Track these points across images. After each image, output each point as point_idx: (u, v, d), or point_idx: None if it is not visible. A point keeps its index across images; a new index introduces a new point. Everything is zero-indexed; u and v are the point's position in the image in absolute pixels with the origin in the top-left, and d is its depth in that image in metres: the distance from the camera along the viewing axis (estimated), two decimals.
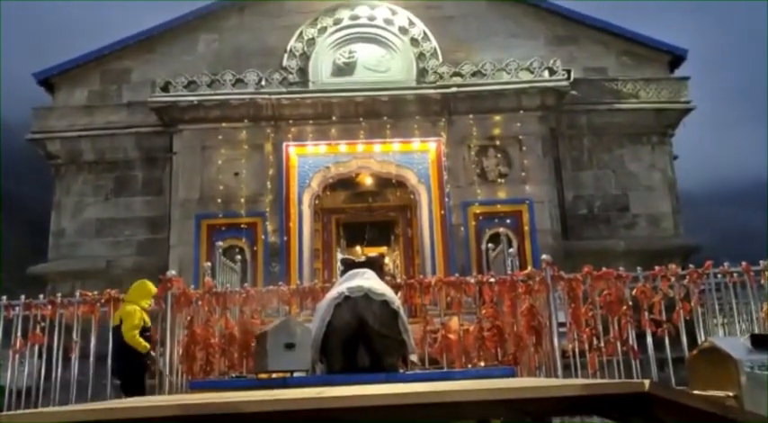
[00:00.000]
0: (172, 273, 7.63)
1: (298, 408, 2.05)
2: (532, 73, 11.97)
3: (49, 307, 7.82)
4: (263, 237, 11.50)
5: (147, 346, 6.87)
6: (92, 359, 7.70)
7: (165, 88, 11.92)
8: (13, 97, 39.02)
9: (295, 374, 4.70)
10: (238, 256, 10.24)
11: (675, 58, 13.81)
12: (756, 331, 7.06)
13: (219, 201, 11.60)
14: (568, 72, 12.07)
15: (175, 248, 11.57)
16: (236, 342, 7.33)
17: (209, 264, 8.45)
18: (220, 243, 9.72)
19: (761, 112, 53.08)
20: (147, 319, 7.04)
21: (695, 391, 4.31)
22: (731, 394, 4.32)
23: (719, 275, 7.91)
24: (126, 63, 13.60)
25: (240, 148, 11.89)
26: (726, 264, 7.98)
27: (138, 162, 13.03)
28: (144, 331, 6.95)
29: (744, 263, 7.89)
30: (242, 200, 11.63)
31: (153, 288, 7.23)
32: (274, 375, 4.74)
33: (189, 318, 7.19)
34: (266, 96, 11.84)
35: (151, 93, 12.01)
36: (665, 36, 14.19)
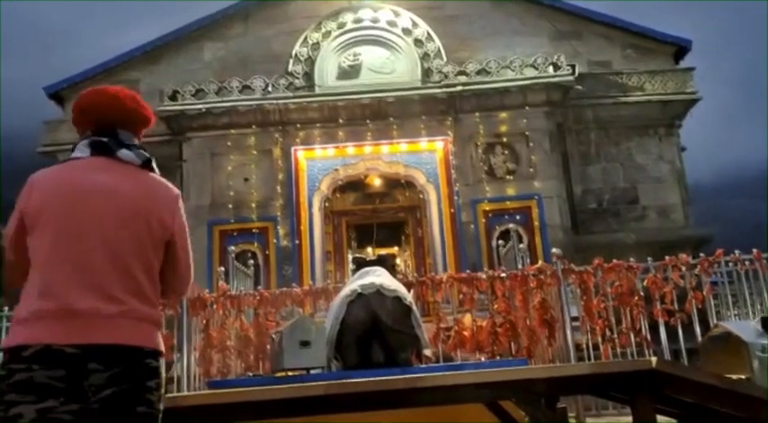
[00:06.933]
0: None
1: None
2: (537, 69, 12.01)
3: None
4: (274, 241, 11.58)
5: None
6: None
7: (173, 97, 12.05)
8: (12, 106, 39.21)
9: (311, 372, 4.75)
10: (251, 261, 10.29)
11: (680, 49, 13.81)
12: None
13: (231, 206, 11.70)
14: (573, 67, 12.09)
15: None
16: (251, 344, 7.39)
17: (222, 268, 8.52)
18: (233, 248, 9.78)
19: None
20: None
21: None
22: (743, 377, 4.34)
23: (731, 264, 7.92)
24: (133, 74, 13.73)
25: (249, 154, 12.00)
26: (737, 252, 7.97)
27: None
28: None
29: (755, 250, 7.89)
30: (253, 205, 11.73)
31: None
32: (291, 373, 4.79)
33: (205, 321, 7.27)
34: (273, 102, 11.95)
35: (159, 102, 12.12)
36: (667, 28, 14.21)
